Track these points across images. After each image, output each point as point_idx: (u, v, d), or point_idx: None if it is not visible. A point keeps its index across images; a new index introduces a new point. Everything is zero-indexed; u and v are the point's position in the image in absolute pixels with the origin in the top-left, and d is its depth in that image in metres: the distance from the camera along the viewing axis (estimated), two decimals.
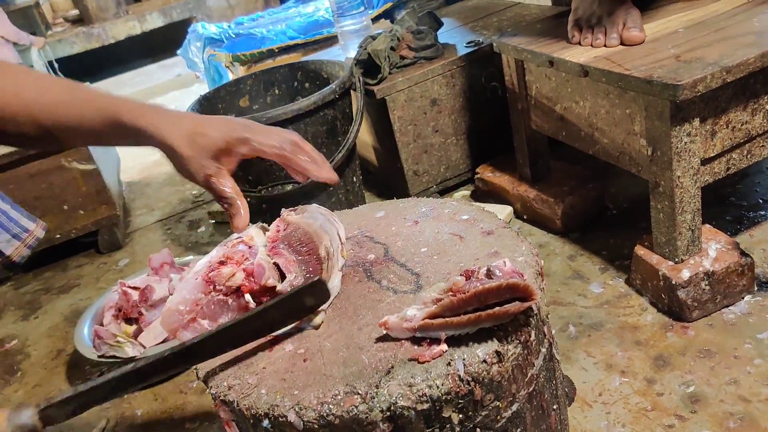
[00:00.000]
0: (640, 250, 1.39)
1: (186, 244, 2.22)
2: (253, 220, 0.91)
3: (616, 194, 1.78)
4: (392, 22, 2.67)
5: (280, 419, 0.69)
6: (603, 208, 1.74)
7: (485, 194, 1.92)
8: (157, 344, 1.46)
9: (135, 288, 1.56)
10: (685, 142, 1.21)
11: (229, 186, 0.84)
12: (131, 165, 3.03)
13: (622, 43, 1.35)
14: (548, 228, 1.72)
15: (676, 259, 1.31)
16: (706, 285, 1.28)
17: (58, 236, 2.19)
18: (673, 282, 1.29)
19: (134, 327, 1.53)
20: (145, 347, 1.46)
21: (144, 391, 1.54)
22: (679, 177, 1.24)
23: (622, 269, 1.50)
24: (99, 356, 1.47)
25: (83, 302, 2.01)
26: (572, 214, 1.68)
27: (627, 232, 1.61)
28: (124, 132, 0.78)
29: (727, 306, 1.31)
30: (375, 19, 2.71)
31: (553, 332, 0.86)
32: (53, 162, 2.10)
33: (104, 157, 2.45)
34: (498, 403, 0.72)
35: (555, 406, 0.83)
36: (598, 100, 1.39)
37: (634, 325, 1.34)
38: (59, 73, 5.00)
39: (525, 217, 1.78)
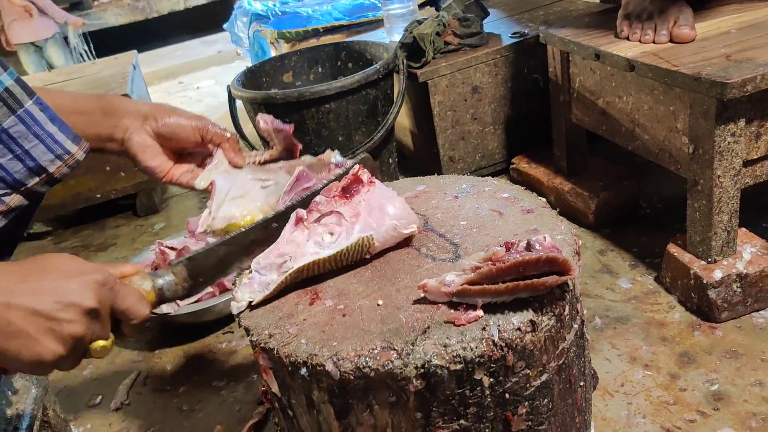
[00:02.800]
0: (673, 248, 1.39)
1: None
2: None
3: (651, 194, 1.78)
4: (437, 10, 2.68)
5: (318, 368, 0.72)
6: (636, 206, 1.74)
7: (519, 185, 1.93)
8: (191, 303, 1.51)
9: (172, 248, 1.61)
10: (729, 142, 1.21)
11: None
12: None
13: (671, 41, 1.34)
14: (580, 222, 1.73)
15: (709, 259, 1.31)
16: (737, 287, 1.28)
17: (99, 196, 2.26)
18: (705, 281, 1.29)
19: None
20: (179, 305, 1.51)
21: (174, 348, 1.59)
22: (719, 176, 1.24)
23: (652, 267, 1.51)
24: None
25: (119, 261, 2.08)
26: (605, 209, 1.69)
27: (659, 232, 1.61)
28: (110, 109, 0.88)
29: (758, 310, 1.31)
30: (421, 6, 2.73)
31: None
32: None
33: None
34: (528, 372, 0.74)
35: (582, 383, 0.84)
36: (641, 95, 1.39)
37: (660, 321, 1.35)
38: (91, 45, 5.09)
39: (558, 209, 1.79)
